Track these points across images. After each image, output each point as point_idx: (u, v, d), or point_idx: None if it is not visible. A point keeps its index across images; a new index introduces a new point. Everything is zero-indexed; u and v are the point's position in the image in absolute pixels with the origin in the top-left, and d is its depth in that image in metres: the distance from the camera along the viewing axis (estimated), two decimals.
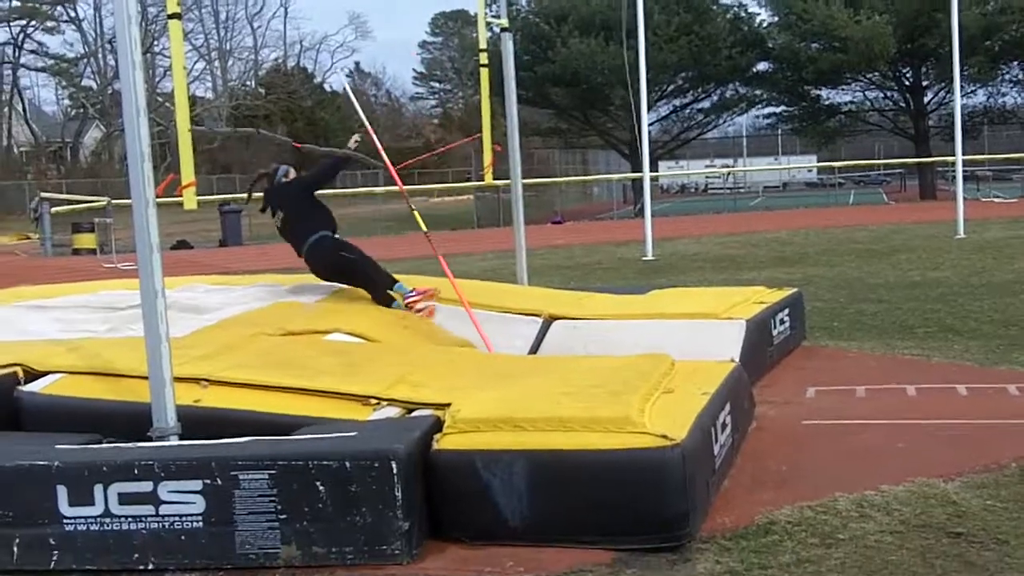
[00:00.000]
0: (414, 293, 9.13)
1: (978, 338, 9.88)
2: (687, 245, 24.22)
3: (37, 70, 76.75)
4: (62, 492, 5.03)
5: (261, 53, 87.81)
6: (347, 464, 4.87)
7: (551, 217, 42.30)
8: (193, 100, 60.91)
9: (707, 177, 66.32)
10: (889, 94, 54.09)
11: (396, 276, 9.48)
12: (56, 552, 5.03)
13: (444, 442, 5.21)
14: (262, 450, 5.06)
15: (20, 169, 66.26)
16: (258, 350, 7.13)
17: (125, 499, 4.98)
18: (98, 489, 5.00)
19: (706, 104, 56.53)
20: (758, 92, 54.76)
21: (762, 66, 53.33)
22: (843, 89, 54.37)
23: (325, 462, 4.89)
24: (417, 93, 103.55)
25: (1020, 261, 16.81)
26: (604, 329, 8.75)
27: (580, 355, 7.96)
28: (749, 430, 6.75)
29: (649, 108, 27.57)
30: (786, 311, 9.59)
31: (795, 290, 10.46)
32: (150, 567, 4.97)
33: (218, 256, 28.48)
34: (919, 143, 52.20)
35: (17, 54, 73.06)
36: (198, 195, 7.12)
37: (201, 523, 4.95)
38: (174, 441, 5.55)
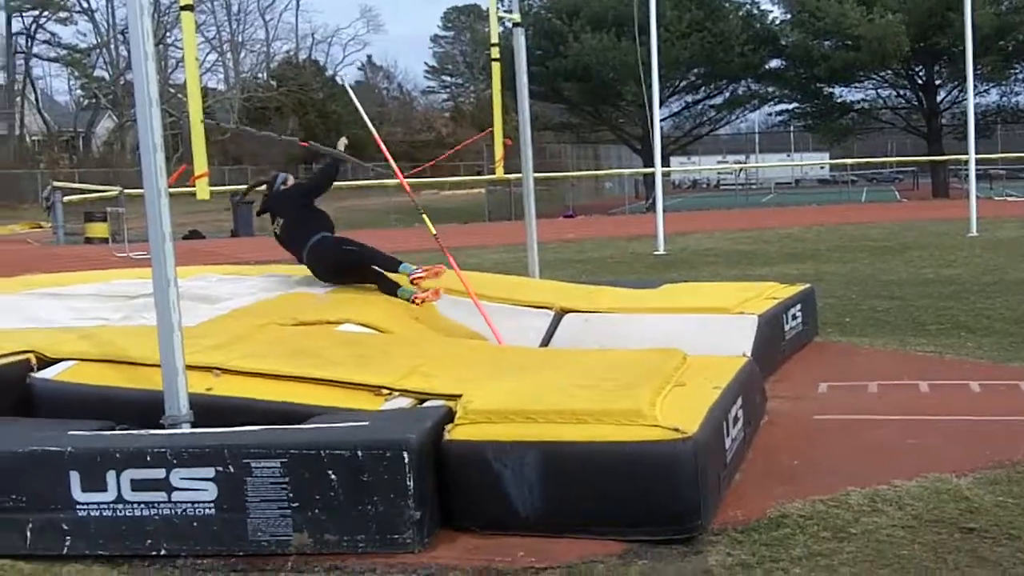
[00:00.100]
0: (419, 271, 9.08)
1: (991, 335, 9.86)
2: (699, 240, 24.20)
3: (50, 60, 76.90)
4: (75, 478, 5.05)
5: (273, 45, 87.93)
6: (359, 453, 4.88)
7: (563, 211, 42.29)
8: (205, 92, 60.92)
9: (719, 173, 66.22)
10: (902, 92, 54.00)
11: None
12: (69, 537, 5.05)
13: (456, 433, 5.22)
14: (274, 438, 5.07)
15: (32, 158, 66.39)
16: (270, 339, 7.14)
17: (137, 485, 5.00)
18: (111, 475, 5.02)
19: (718, 100, 56.47)
20: (770, 89, 54.70)
21: (774, 63, 53.29)
22: (856, 87, 54.34)
23: (337, 451, 4.90)
24: (429, 87, 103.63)
25: None
26: (616, 323, 8.74)
27: (592, 348, 7.95)
28: (761, 425, 6.74)
29: (661, 104, 27.54)
30: (798, 307, 9.58)
31: (807, 286, 10.44)
32: (162, 553, 4.98)
33: (230, 246, 28.51)
34: (932, 141, 52.14)
35: (30, 44, 73.23)
36: (210, 185, 7.13)
37: (213, 510, 4.96)
38: (186, 429, 5.56)
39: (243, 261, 10.18)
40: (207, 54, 77.87)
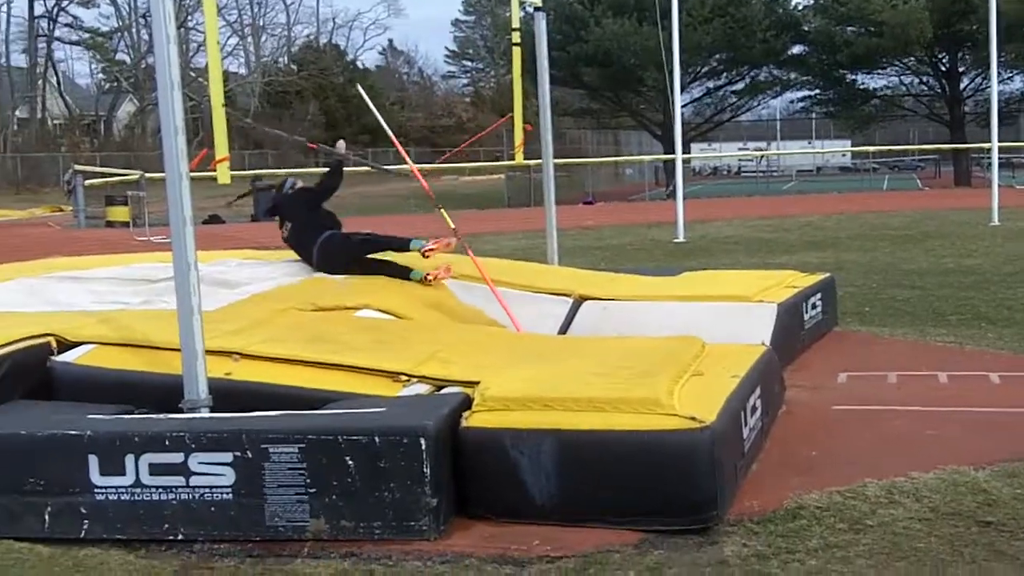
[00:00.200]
0: (430, 243, 9.07)
1: (1011, 326, 9.82)
2: (719, 228, 24.14)
3: (71, 43, 77.17)
4: (94, 462, 5.07)
5: (294, 30, 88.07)
6: (376, 439, 4.89)
7: (582, 198, 42.23)
8: (226, 76, 60.95)
9: (740, 160, 66.02)
10: (925, 79, 53.71)
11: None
12: (87, 521, 5.07)
13: (473, 420, 5.22)
14: (292, 424, 5.08)
15: (54, 141, 66.61)
16: (289, 325, 7.15)
17: (156, 470, 5.02)
18: (129, 459, 5.04)
19: (740, 86, 56.27)
20: (792, 75, 54.48)
21: (797, 49, 53.05)
22: (878, 74, 54.05)
23: (355, 437, 4.91)
24: (449, 72, 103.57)
25: None
26: (634, 310, 8.73)
27: (610, 336, 7.94)
28: (779, 414, 6.72)
29: (682, 90, 27.46)
30: (818, 296, 9.55)
31: (827, 275, 10.41)
32: (179, 537, 5.01)
33: (250, 231, 28.56)
34: (954, 129, 51.87)
35: (52, 27, 73.43)
36: (230, 170, 7.14)
37: (231, 495, 4.98)
38: (205, 413, 5.58)
39: (263, 246, 10.22)
40: (228, 38, 78.14)
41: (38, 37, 72.46)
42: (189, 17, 67.21)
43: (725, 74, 55.61)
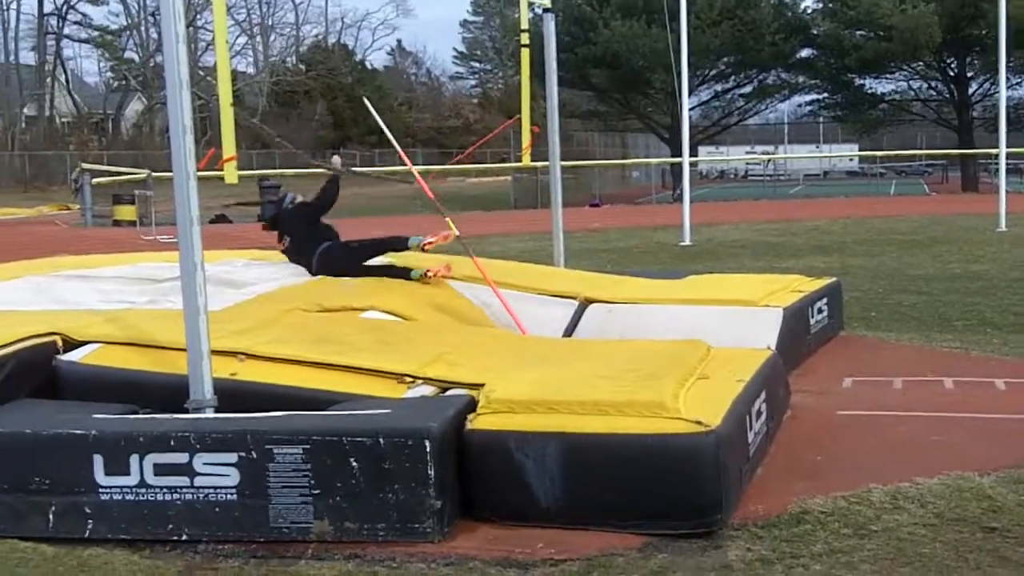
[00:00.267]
0: (428, 237, 9.20)
1: (1018, 332, 9.80)
2: (725, 231, 24.12)
3: (80, 41, 77.27)
4: (98, 461, 5.07)
5: (303, 29, 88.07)
6: (381, 441, 4.89)
7: (589, 200, 42.19)
8: (234, 75, 61.05)
9: (747, 163, 65.94)
10: (933, 84, 53.62)
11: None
12: (91, 521, 5.08)
13: (478, 422, 5.22)
14: (297, 425, 5.08)
15: (62, 140, 66.71)
16: (294, 325, 7.15)
17: (160, 470, 5.03)
18: (134, 459, 5.04)
19: (748, 89, 56.20)
20: (800, 79, 54.40)
21: (805, 53, 52.97)
22: (887, 78, 53.94)
23: (359, 438, 4.91)
24: (457, 73, 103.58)
25: None
26: (640, 313, 8.73)
27: (615, 339, 7.94)
28: (784, 419, 6.71)
29: (690, 93, 27.45)
30: (824, 300, 9.54)
31: (833, 279, 10.40)
32: (183, 538, 5.01)
33: (256, 231, 28.55)
34: (962, 134, 51.75)
35: (61, 25, 73.54)
36: (238, 169, 7.15)
37: (235, 495, 4.98)
38: (210, 413, 5.58)
39: (269, 246, 10.22)
40: (237, 37, 78.20)
41: (47, 35, 72.58)
42: (198, 16, 67.34)
43: (733, 77, 55.51)
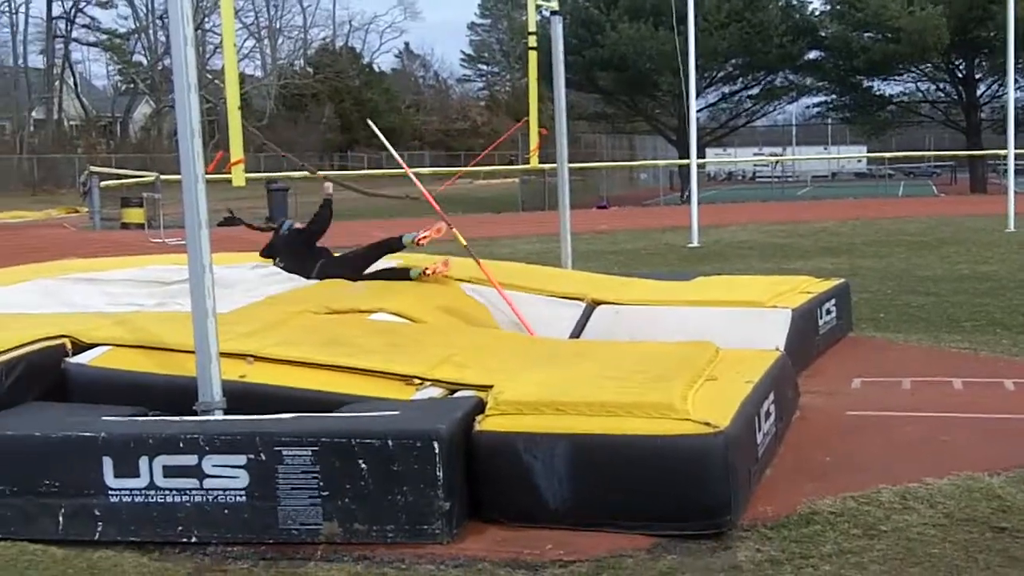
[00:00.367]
0: (422, 232, 9.29)
1: None
2: (733, 233, 24.09)
3: (89, 44, 77.38)
4: (108, 463, 5.09)
5: (310, 32, 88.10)
6: (389, 443, 4.89)
7: (596, 202, 42.14)
8: (242, 78, 61.13)
9: (755, 165, 65.83)
10: (941, 85, 53.51)
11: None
12: (100, 523, 5.09)
13: (486, 423, 5.22)
14: (306, 426, 5.09)
15: (70, 143, 66.79)
16: (303, 327, 7.16)
17: (170, 472, 5.04)
18: (143, 461, 5.06)
19: (755, 91, 56.11)
20: (808, 81, 54.31)
21: (813, 54, 52.87)
22: (895, 80, 53.83)
23: (368, 440, 4.91)
24: (465, 75, 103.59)
25: None
26: (648, 315, 8.72)
27: (623, 340, 7.94)
28: (793, 420, 6.71)
29: (698, 95, 27.42)
30: (832, 301, 9.53)
31: (842, 280, 10.40)
32: (193, 540, 5.02)
33: (265, 234, 28.57)
34: (971, 135, 51.61)
35: (69, 28, 73.68)
36: (246, 172, 7.15)
37: (244, 497, 4.99)
38: (219, 416, 5.59)
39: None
40: (244, 40, 78.26)
41: (55, 38, 72.73)
42: (206, 19, 67.37)
43: (741, 79, 55.42)
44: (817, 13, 52.51)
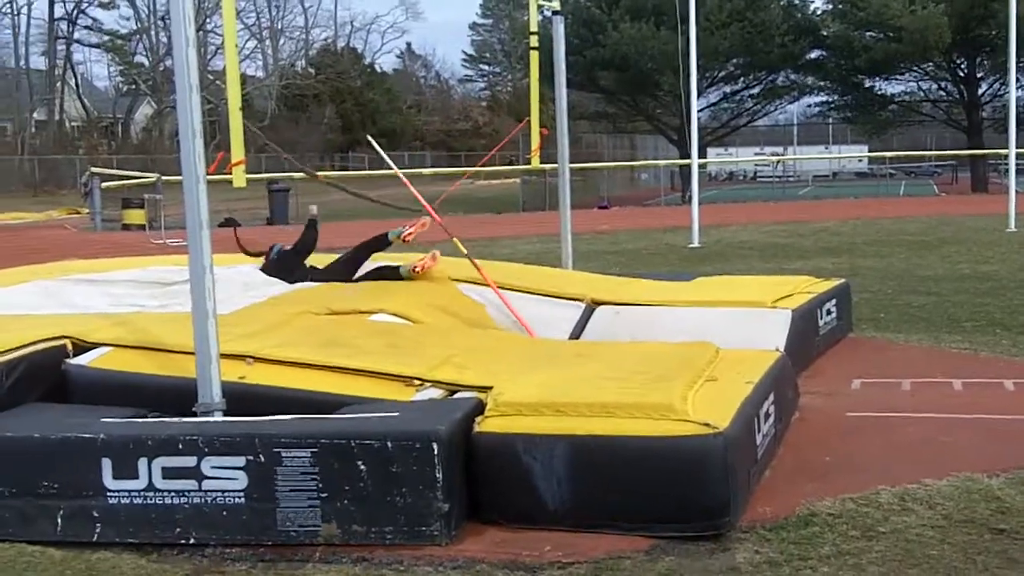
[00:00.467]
0: (407, 227, 9.49)
1: None
2: (734, 233, 24.09)
3: (90, 46, 77.47)
4: (107, 465, 5.09)
5: (312, 33, 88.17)
6: (389, 444, 4.89)
7: (597, 202, 42.15)
8: (243, 79, 61.09)
9: (756, 165, 65.79)
10: (943, 85, 53.49)
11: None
12: (99, 525, 5.09)
13: (486, 425, 5.22)
14: (305, 428, 5.09)
15: (71, 144, 66.85)
16: (303, 328, 7.16)
17: (168, 473, 5.04)
18: (142, 463, 5.05)
19: (756, 91, 56.10)
20: (809, 80, 54.31)
21: (814, 54, 52.87)
22: (896, 79, 53.81)
23: (367, 441, 4.91)
24: (466, 75, 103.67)
25: None
26: (648, 315, 8.72)
27: (623, 341, 7.94)
28: (793, 421, 6.71)
29: (699, 94, 27.41)
30: (833, 302, 9.52)
31: (842, 281, 10.39)
32: (191, 541, 5.02)
33: (266, 234, 28.59)
34: (972, 135, 51.60)
35: (71, 29, 73.75)
36: (247, 173, 7.15)
37: (243, 499, 4.99)
38: (218, 417, 5.59)
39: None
40: (246, 41, 78.28)
41: (57, 39, 72.78)
42: (207, 20, 67.43)
43: (742, 79, 55.43)
44: (819, 12, 52.52)
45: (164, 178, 32.59)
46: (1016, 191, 23.52)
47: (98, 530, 5.08)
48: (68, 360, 6.42)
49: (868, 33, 49.23)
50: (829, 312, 9.38)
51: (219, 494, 5.00)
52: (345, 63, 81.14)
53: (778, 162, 58.82)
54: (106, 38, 75.98)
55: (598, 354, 6.72)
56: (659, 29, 45.48)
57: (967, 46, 48.78)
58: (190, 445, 5.03)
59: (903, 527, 4.88)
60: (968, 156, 51.25)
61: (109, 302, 8.45)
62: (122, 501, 5.06)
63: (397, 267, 9.27)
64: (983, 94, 51.85)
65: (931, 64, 50.86)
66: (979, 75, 51.16)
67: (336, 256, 9.89)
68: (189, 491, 5.01)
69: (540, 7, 12.17)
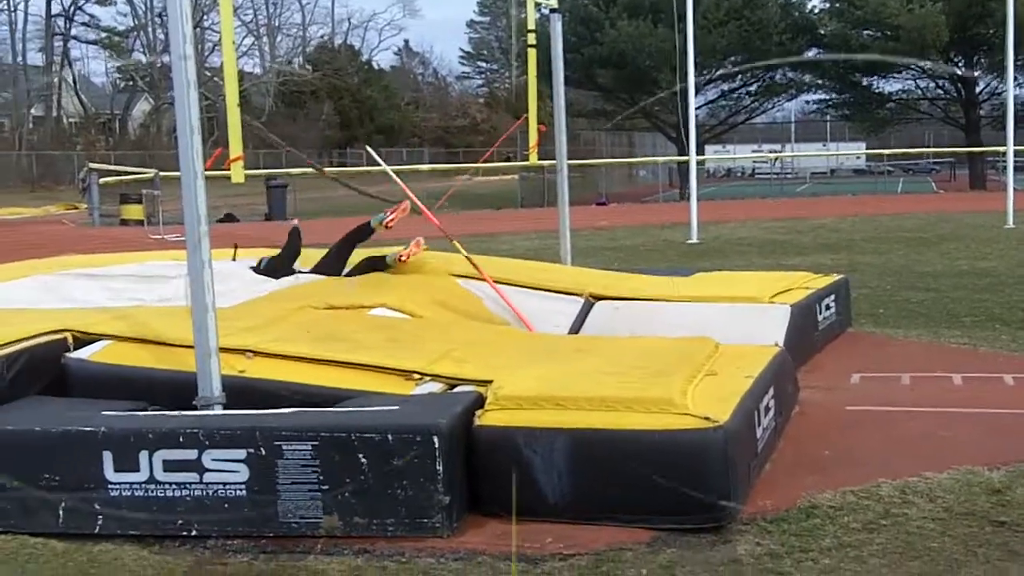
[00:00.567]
0: (388, 214, 9.57)
1: None
2: (732, 229, 24.10)
3: (88, 42, 77.48)
4: (108, 458, 5.09)
5: (309, 30, 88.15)
6: (389, 437, 4.90)
7: (595, 198, 42.15)
8: (241, 75, 61.01)
9: (754, 162, 65.81)
10: (940, 83, 53.51)
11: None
12: (101, 517, 5.09)
13: (486, 418, 5.23)
14: (306, 421, 5.09)
15: (69, 140, 66.83)
16: (303, 323, 7.16)
17: (170, 466, 5.05)
18: (143, 456, 5.06)
19: (754, 88, 56.12)
20: (807, 78, 54.32)
21: (812, 52, 52.86)
22: (894, 77, 53.83)
23: (368, 434, 4.92)
24: (464, 72, 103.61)
25: None
26: (647, 311, 8.72)
27: (623, 336, 7.94)
28: (792, 415, 6.72)
29: (697, 92, 27.42)
30: (832, 297, 9.53)
31: (841, 276, 10.40)
32: (193, 533, 5.02)
33: (264, 229, 28.59)
34: (970, 132, 51.65)
35: (68, 26, 73.72)
36: (245, 169, 7.15)
37: (244, 491, 4.99)
38: (219, 410, 5.59)
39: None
40: (243, 37, 78.34)
41: (54, 36, 72.75)
42: (205, 16, 67.40)
43: (740, 76, 55.43)
44: (816, 11, 52.55)
45: (162, 174, 32.56)
46: (1014, 188, 23.54)
47: (100, 522, 5.09)
48: (68, 354, 6.42)
49: (865, 32, 49.29)
50: (828, 307, 9.38)
51: (220, 486, 5.00)
52: (343, 60, 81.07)
53: (776, 159, 58.83)
54: (103, 34, 76.01)
55: (597, 349, 6.73)
56: (656, 27, 45.54)
57: (965, 44, 48.85)
58: (191, 438, 5.04)
59: (904, 519, 4.89)
60: (966, 153, 51.30)
61: (108, 296, 8.45)
62: (124, 493, 5.07)
63: (382, 257, 9.37)
64: (980, 92, 51.91)
65: (929, 62, 50.86)
66: (976, 73, 51.16)
67: (324, 252, 9.90)
68: (190, 483, 5.02)
69: (538, 5, 12.15)
